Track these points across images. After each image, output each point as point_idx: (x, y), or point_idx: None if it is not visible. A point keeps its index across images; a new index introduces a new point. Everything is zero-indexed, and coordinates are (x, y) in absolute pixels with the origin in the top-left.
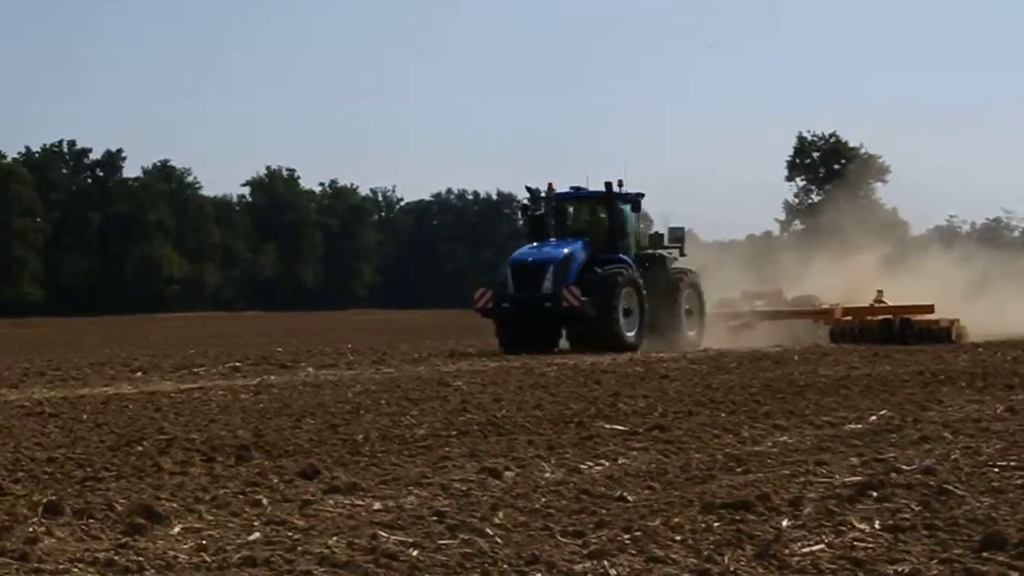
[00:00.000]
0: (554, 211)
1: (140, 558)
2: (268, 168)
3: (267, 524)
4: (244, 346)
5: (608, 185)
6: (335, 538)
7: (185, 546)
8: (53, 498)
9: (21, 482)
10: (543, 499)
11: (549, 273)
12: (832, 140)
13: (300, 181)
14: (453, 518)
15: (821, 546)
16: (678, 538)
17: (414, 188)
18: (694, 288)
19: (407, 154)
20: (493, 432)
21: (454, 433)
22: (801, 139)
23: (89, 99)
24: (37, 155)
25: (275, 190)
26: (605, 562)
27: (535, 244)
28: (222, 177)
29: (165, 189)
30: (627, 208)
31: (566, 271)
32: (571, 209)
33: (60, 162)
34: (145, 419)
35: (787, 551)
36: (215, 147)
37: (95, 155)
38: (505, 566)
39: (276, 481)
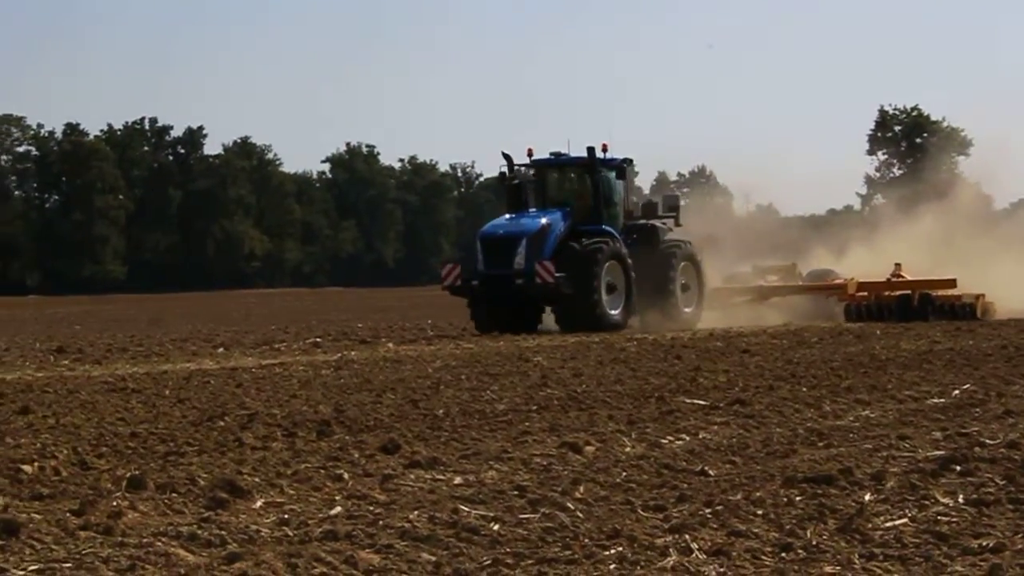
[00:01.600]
0: (534, 179)
1: (223, 532)
2: (348, 144)
3: (348, 498)
4: (324, 322)
5: (590, 150)
6: (416, 512)
7: (267, 520)
8: (136, 473)
9: (105, 457)
10: (624, 473)
11: (521, 247)
12: (914, 113)
13: (380, 157)
14: (534, 493)
15: (904, 520)
16: (760, 512)
17: (493, 163)
18: (691, 261)
19: (486, 129)
20: (573, 407)
21: (534, 408)
22: (883, 113)
23: (170, 76)
24: (119, 132)
25: (355, 166)
26: (687, 536)
27: (510, 215)
28: (302, 153)
29: (245, 166)
30: (612, 175)
31: (541, 244)
32: (552, 177)
33: (142, 139)
34: (227, 395)
35: (870, 525)
36: (295, 124)
37: (176, 132)
38: (587, 540)
39: (357, 456)
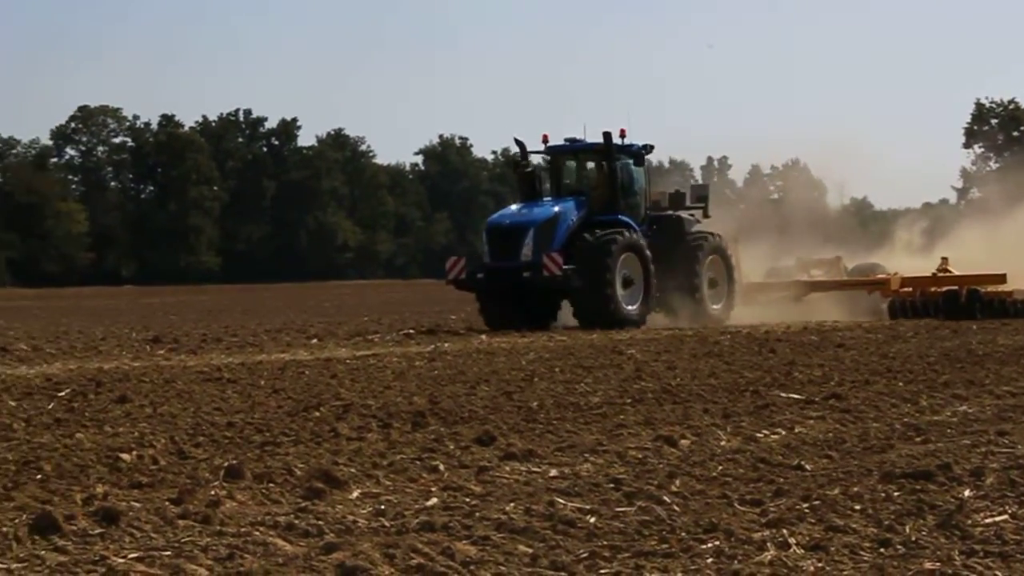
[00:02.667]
0: (549, 167)
1: (320, 522)
2: (441, 136)
3: (444, 490)
4: (417, 314)
5: (607, 136)
6: (512, 504)
7: (364, 511)
8: (234, 462)
9: (202, 446)
10: (720, 467)
11: (529, 238)
12: (1011, 107)
13: (472, 149)
14: (630, 486)
15: (1005, 517)
16: (858, 507)
17: None
18: (719, 254)
19: (580, 121)
20: (668, 400)
21: (629, 401)
22: (979, 106)
23: (265, 68)
24: (214, 124)
25: (448, 158)
26: (784, 531)
27: (520, 204)
28: (395, 145)
29: (339, 157)
30: (630, 162)
31: (551, 235)
32: (567, 164)
33: (236, 131)
34: (322, 385)
35: (970, 522)
36: (389, 115)
37: (270, 124)
38: (683, 534)
39: (452, 447)
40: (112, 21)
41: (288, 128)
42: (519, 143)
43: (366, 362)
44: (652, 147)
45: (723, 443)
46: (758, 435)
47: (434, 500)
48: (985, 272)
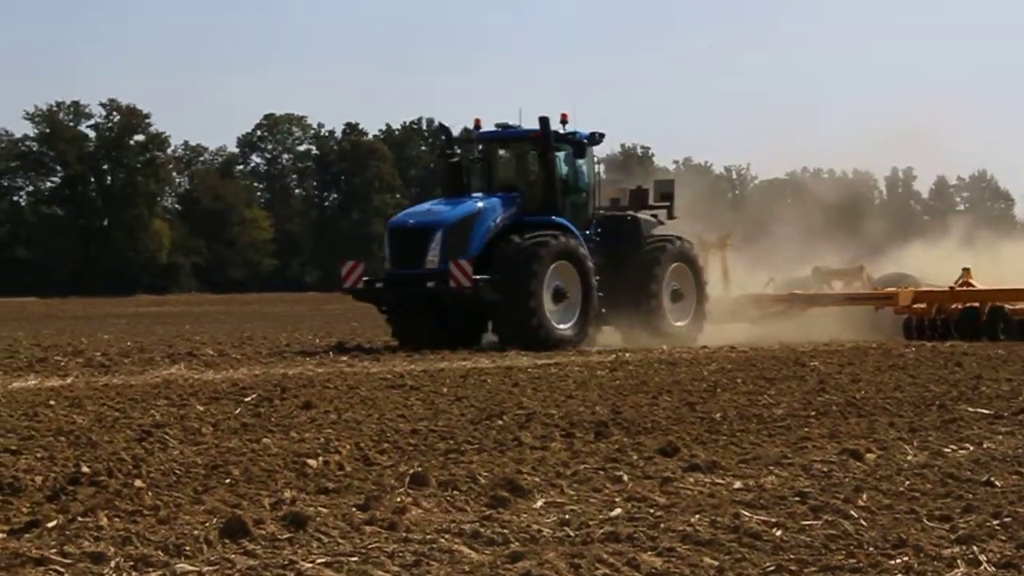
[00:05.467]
0: (481, 158)
1: (505, 531)
2: (623, 146)
3: (628, 500)
4: None
5: (544, 121)
6: (697, 516)
7: (548, 520)
8: (419, 469)
9: (387, 453)
10: (907, 482)
11: (435, 242)
12: None
13: (654, 158)
14: (816, 499)
15: None
16: None
17: (770, 166)
18: (685, 262)
19: (765, 130)
20: (853, 413)
21: (813, 413)
22: None
23: (447, 77)
24: (397, 132)
25: (630, 168)
26: (975, 548)
27: (434, 201)
28: None
29: None
30: (570, 153)
31: (465, 239)
32: (500, 155)
33: (419, 139)
34: (504, 393)
35: None
36: (572, 124)
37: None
38: (871, 549)
39: (635, 458)
40: (297, 31)
41: (468, 135)
42: (444, 128)
43: (547, 371)
44: (602, 136)
45: (910, 458)
46: (946, 450)
47: (618, 510)
48: (1012, 286)
